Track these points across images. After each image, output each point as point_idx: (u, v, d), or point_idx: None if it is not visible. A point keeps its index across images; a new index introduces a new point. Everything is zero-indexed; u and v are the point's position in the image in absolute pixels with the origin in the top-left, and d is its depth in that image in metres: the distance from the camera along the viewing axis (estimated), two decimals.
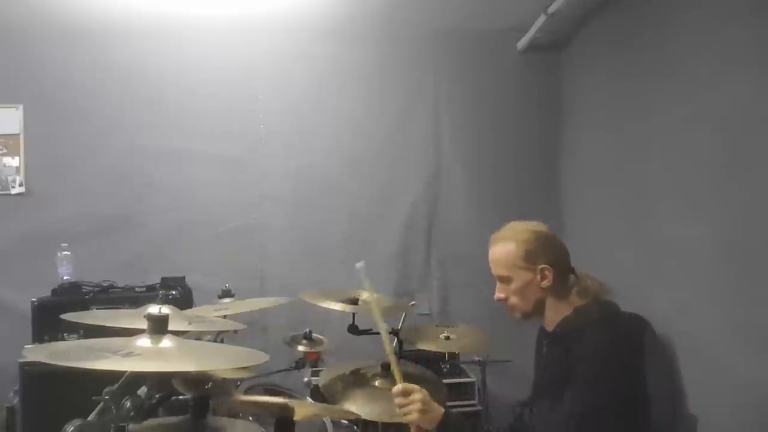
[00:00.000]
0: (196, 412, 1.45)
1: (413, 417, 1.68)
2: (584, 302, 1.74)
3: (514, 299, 1.78)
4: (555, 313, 1.76)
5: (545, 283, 1.74)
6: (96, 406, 1.50)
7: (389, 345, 1.86)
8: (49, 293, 3.03)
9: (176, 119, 3.59)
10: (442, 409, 1.70)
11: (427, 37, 3.75)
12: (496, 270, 1.81)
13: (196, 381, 1.66)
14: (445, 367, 3.31)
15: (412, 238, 3.73)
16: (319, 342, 2.65)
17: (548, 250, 1.76)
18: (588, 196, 3.47)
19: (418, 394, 1.70)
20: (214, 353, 1.54)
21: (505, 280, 1.78)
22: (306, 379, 2.73)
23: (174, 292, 2.96)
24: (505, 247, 1.79)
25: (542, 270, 1.73)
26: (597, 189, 3.35)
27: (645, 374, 1.72)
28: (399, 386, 1.73)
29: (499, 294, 1.81)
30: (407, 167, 3.74)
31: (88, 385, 1.42)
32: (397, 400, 1.72)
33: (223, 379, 1.90)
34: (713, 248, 2.32)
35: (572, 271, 1.80)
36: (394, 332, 2.40)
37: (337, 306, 2.28)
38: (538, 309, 1.78)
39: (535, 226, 1.81)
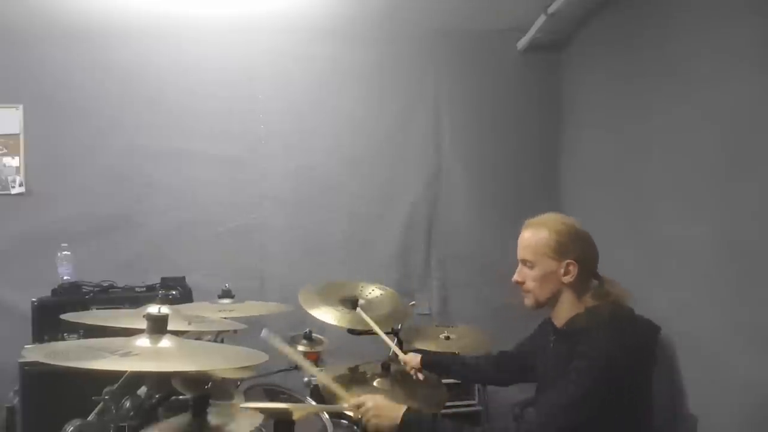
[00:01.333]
0: (196, 412, 1.45)
1: (372, 425, 1.69)
2: (597, 303, 1.73)
3: (531, 284, 1.77)
4: (567, 310, 1.75)
5: (567, 278, 1.73)
6: (96, 406, 1.50)
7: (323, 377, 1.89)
8: (49, 293, 3.03)
9: (176, 119, 3.59)
10: (401, 408, 1.68)
11: (427, 37, 3.75)
12: (523, 253, 1.80)
13: (196, 381, 1.65)
14: None
15: (412, 238, 3.73)
16: (319, 342, 2.65)
17: (579, 247, 1.75)
18: (588, 196, 3.47)
19: (369, 401, 1.71)
20: (214, 353, 1.54)
21: (529, 264, 1.78)
22: (306, 379, 2.73)
23: (174, 292, 2.96)
24: (537, 233, 1.78)
25: (568, 264, 1.73)
26: (597, 189, 3.35)
27: (651, 382, 1.71)
28: (350, 404, 1.75)
29: (517, 277, 1.80)
30: (407, 167, 3.74)
31: (88, 385, 1.42)
32: (356, 417, 1.75)
33: (223, 379, 1.90)
34: (713, 248, 2.32)
35: (596, 275, 1.79)
36: (395, 332, 2.40)
37: (332, 317, 2.26)
38: (552, 301, 1.77)
39: (572, 220, 1.81)
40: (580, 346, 1.63)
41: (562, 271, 1.73)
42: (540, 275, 1.75)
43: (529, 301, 1.80)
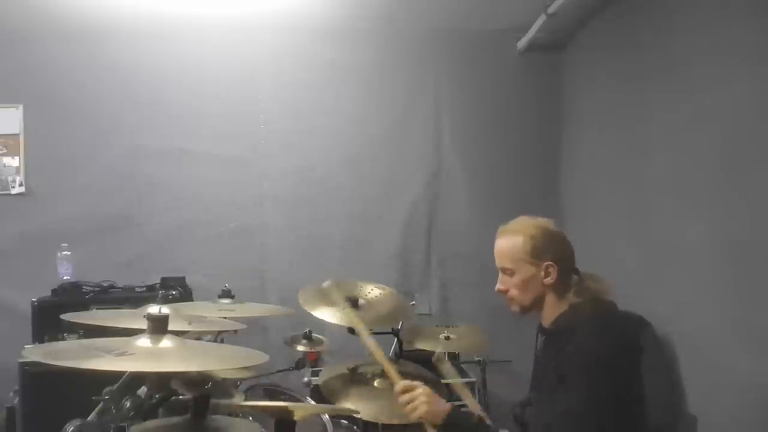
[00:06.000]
0: (196, 412, 1.45)
1: (421, 410, 1.69)
2: (580, 300, 1.74)
3: (514, 292, 1.78)
4: (552, 311, 1.76)
5: (548, 280, 1.73)
6: (96, 406, 1.50)
7: (378, 351, 1.88)
8: (49, 293, 3.03)
9: (177, 119, 3.59)
10: (448, 404, 1.71)
11: (427, 37, 3.75)
12: (501, 262, 1.80)
13: (196, 381, 1.65)
14: None
15: (412, 238, 3.73)
16: (319, 342, 2.64)
17: (555, 247, 1.76)
18: (588, 195, 3.46)
19: (421, 388, 1.72)
20: (214, 353, 1.54)
21: (508, 272, 1.78)
22: (306, 379, 2.73)
23: (174, 292, 2.96)
24: (511, 240, 1.78)
25: (547, 267, 1.73)
26: (597, 189, 3.35)
27: (641, 374, 1.72)
28: (399, 385, 1.75)
29: (500, 286, 1.81)
30: (407, 167, 3.74)
31: (88, 385, 1.41)
32: (402, 399, 1.73)
33: (223, 379, 1.90)
34: (713, 248, 2.32)
35: (576, 270, 1.80)
36: (395, 332, 2.40)
37: (333, 317, 2.26)
38: (537, 304, 1.78)
39: (543, 222, 1.81)
40: (568, 347, 1.64)
41: (542, 273, 1.74)
42: (521, 281, 1.76)
43: (515, 308, 1.80)
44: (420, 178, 3.75)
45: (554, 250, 1.75)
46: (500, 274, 1.82)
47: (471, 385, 3.25)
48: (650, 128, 2.79)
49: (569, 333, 1.67)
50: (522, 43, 3.70)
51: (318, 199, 3.68)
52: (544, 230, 1.78)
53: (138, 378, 1.52)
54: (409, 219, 3.73)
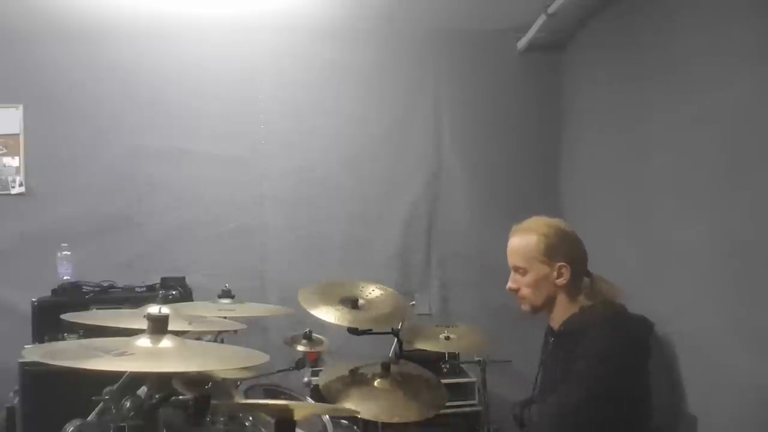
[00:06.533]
0: (196, 412, 1.45)
1: None
2: (591, 303, 1.74)
3: (526, 291, 1.77)
4: (563, 312, 1.76)
5: (560, 281, 1.73)
6: (96, 406, 1.50)
7: None
8: (49, 293, 3.03)
9: (177, 119, 3.59)
10: None
11: (427, 37, 3.75)
12: (514, 260, 1.80)
13: (196, 381, 1.65)
14: (445, 367, 3.31)
15: (412, 238, 3.73)
16: (319, 342, 2.64)
17: (568, 249, 1.75)
18: (588, 196, 3.46)
19: None
20: (214, 353, 1.54)
21: (521, 271, 1.77)
22: (306, 379, 2.73)
23: (174, 292, 2.96)
24: (526, 239, 1.78)
25: (560, 267, 1.73)
26: (597, 189, 3.35)
27: (648, 374, 1.72)
28: None
29: (511, 284, 1.80)
30: (407, 167, 3.74)
31: (88, 385, 1.41)
32: None
33: (223, 379, 1.90)
34: (713, 248, 2.32)
35: (587, 273, 1.79)
36: (395, 332, 2.39)
37: (332, 316, 2.25)
38: (548, 305, 1.77)
39: (558, 222, 1.81)
40: (578, 348, 1.63)
41: (555, 274, 1.73)
42: (533, 280, 1.75)
43: (525, 307, 1.80)
44: (420, 178, 3.75)
45: (567, 251, 1.75)
46: (512, 272, 1.81)
47: (471, 385, 3.27)
48: (650, 128, 2.79)
49: (580, 335, 1.66)
50: (522, 43, 3.70)
51: (318, 199, 3.68)
52: (558, 230, 1.77)
53: (138, 378, 1.51)
54: (409, 219, 3.73)
